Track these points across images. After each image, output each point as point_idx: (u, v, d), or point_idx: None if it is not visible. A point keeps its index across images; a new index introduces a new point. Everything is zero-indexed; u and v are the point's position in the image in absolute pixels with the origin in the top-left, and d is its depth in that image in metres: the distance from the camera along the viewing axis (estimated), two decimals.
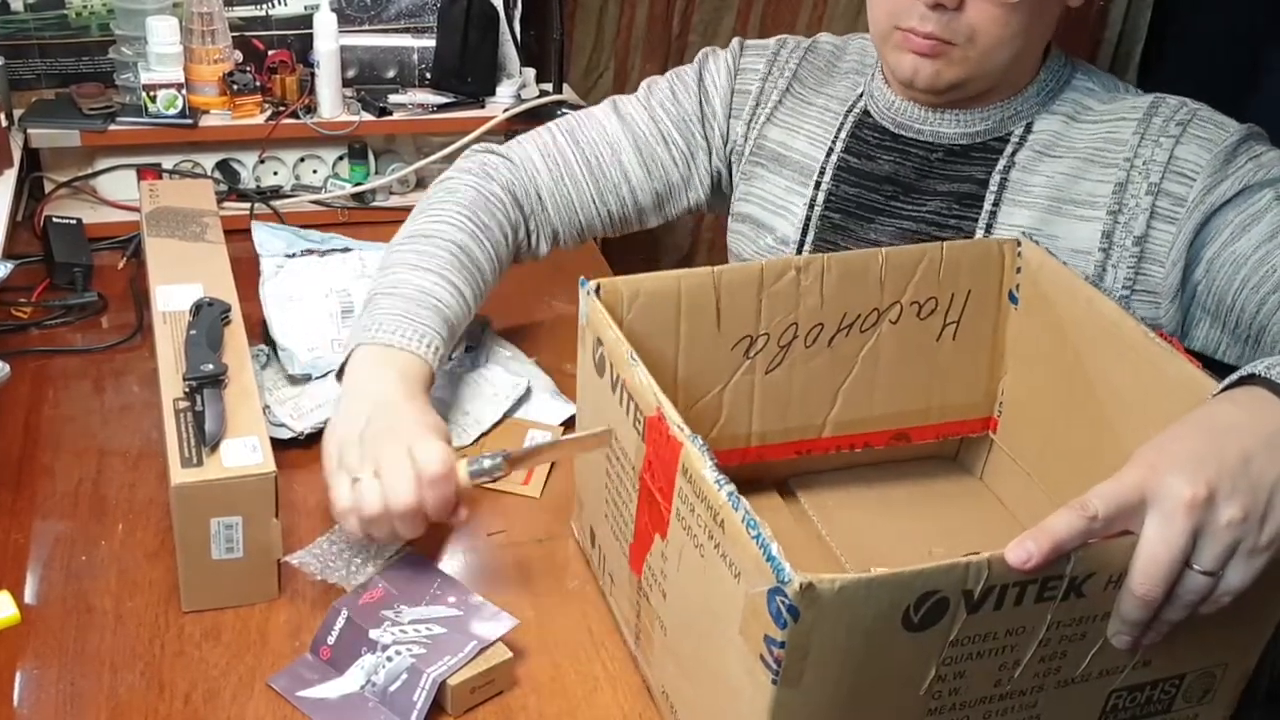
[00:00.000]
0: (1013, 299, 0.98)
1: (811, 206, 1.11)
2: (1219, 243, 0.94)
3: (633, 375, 0.79)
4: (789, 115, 1.15)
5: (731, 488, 0.67)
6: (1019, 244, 0.97)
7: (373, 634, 0.83)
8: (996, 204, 1.03)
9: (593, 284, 0.87)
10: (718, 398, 0.95)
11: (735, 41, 1.20)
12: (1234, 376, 0.74)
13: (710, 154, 1.18)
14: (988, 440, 1.04)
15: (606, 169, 1.15)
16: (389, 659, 0.81)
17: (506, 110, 1.59)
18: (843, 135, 1.11)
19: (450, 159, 1.26)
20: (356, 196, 1.55)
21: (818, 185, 1.11)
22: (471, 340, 1.21)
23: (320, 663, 0.84)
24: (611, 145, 1.16)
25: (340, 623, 0.84)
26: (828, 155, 1.11)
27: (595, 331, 0.86)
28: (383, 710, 0.80)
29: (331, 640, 0.84)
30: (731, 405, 0.96)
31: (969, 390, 1.02)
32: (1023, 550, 0.61)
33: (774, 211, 1.14)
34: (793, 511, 1.02)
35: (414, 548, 0.92)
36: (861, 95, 1.12)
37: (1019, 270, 0.97)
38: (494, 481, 0.91)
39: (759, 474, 1.02)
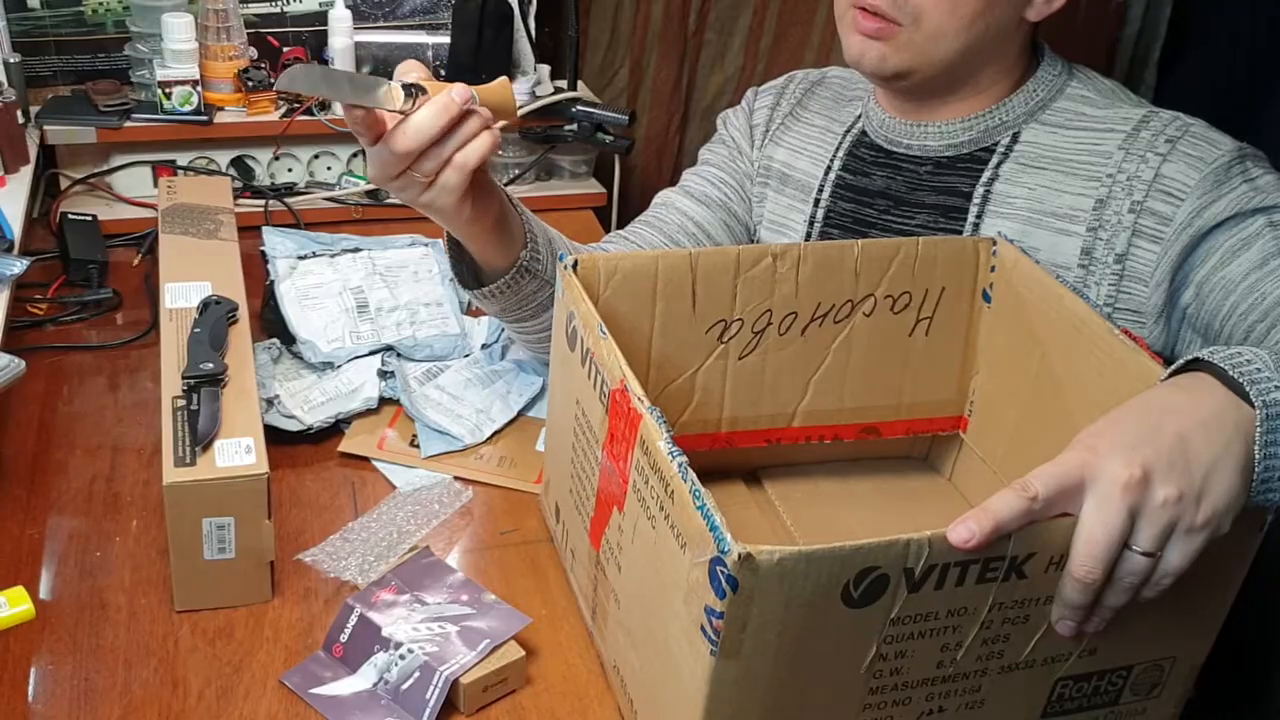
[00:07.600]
0: (986, 298, 0.97)
1: (811, 223, 1.13)
2: (1209, 266, 0.92)
3: (601, 348, 0.79)
4: (793, 137, 1.16)
5: (683, 459, 0.67)
6: (994, 243, 0.96)
7: (385, 632, 0.83)
8: (980, 216, 1.02)
9: (570, 259, 0.87)
10: (690, 381, 0.95)
11: (750, 91, 1.23)
12: (1180, 362, 0.74)
13: (753, 182, 1.19)
14: (958, 440, 1.03)
15: (666, 215, 1.17)
16: (401, 657, 0.81)
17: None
18: (840, 154, 1.12)
19: None
20: (370, 193, 1.55)
21: (817, 202, 1.12)
22: (489, 339, 1.22)
23: (333, 660, 0.84)
24: (666, 203, 1.18)
25: (353, 620, 0.84)
26: (826, 173, 1.12)
27: (569, 305, 0.86)
28: (395, 708, 0.80)
29: (344, 638, 0.84)
30: (704, 390, 0.96)
31: (940, 387, 1.01)
32: (964, 529, 0.62)
33: (776, 230, 1.16)
34: (760, 502, 1.02)
35: (426, 546, 0.92)
36: (860, 117, 1.12)
37: (993, 269, 0.96)
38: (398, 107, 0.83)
39: (729, 463, 1.02)
